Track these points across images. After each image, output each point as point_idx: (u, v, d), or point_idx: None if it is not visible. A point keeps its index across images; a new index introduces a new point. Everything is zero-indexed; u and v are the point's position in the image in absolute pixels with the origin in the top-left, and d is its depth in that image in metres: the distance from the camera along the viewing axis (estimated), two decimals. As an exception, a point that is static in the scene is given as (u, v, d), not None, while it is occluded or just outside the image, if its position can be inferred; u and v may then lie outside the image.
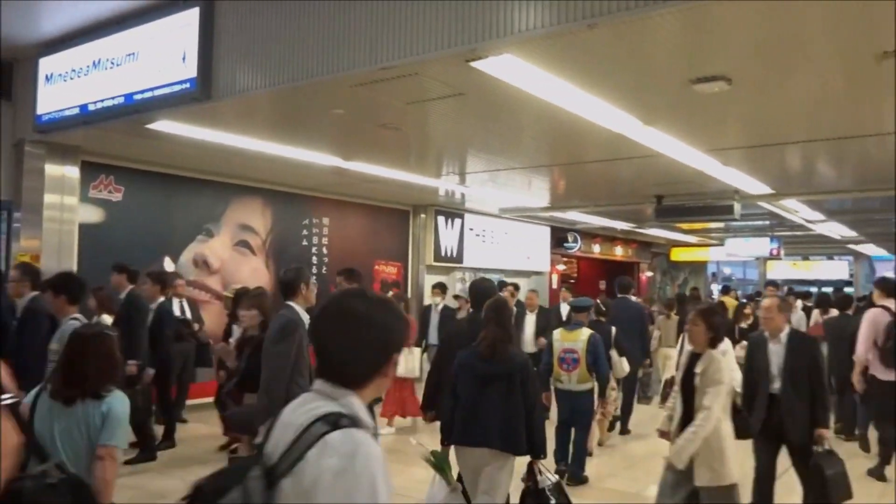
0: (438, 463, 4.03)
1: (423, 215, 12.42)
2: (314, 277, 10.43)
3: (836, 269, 23.81)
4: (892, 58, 4.51)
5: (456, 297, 10.47)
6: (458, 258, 13.02)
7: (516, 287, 10.07)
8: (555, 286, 16.03)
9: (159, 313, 6.99)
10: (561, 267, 16.77)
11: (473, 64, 4.58)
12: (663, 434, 4.61)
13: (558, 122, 6.19)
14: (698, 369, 4.25)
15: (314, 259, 10.55)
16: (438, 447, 4.18)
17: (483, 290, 4.77)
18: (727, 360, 4.63)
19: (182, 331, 7.62)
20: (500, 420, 3.94)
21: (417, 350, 8.72)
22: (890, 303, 6.79)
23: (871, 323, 6.68)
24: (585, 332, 6.02)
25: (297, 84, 5.14)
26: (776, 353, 4.82)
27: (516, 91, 5.17)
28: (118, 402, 2.98)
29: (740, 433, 4.38)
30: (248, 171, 9.07)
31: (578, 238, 16.39)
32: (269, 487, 1.48)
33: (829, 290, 14.89)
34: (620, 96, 5.45)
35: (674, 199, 10.46)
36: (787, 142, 7.08)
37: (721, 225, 15.75)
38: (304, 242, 10.44)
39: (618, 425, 8.17)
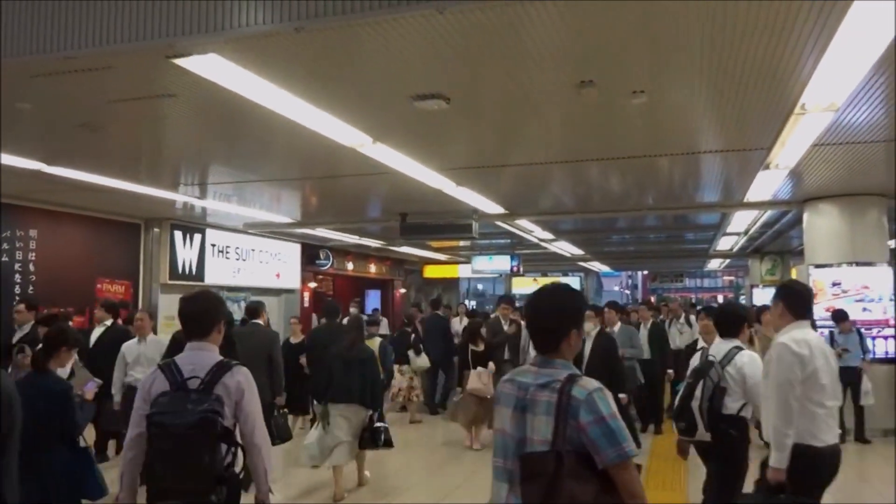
0: (322, 414, 6.38)
1: (156, 229, 11.38)
2: (17, 298, 9.08)
3: (570, 284, 26.17)
4: (591, 87, 4.85)
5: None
6: (199, 276, 12.13)
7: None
8: (306, 304, 15.65)
9: None
10: (313, 284, 16.44)
11: (177, 61, 4.16)
12: None
13: (290, 134, 5.90)
14: None
15: (17, 278, 9.12)
16: None
17: (334, 307, 8.53)
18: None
19: None
20: (359, 387, 6.26)
21: None
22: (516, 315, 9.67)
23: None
24: (377, 340, 7.69)
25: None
26: None
27: (235, 96, 4.81)
28: None
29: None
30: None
31: (330, 255, 16.19)
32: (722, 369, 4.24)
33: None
34: (344, 109, 5.30)
35: (418, 217, 10.65)
36: (509, 164, 7.46)
37: (468, 243, 16.46)
38: (4, 258, 8.98)
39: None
